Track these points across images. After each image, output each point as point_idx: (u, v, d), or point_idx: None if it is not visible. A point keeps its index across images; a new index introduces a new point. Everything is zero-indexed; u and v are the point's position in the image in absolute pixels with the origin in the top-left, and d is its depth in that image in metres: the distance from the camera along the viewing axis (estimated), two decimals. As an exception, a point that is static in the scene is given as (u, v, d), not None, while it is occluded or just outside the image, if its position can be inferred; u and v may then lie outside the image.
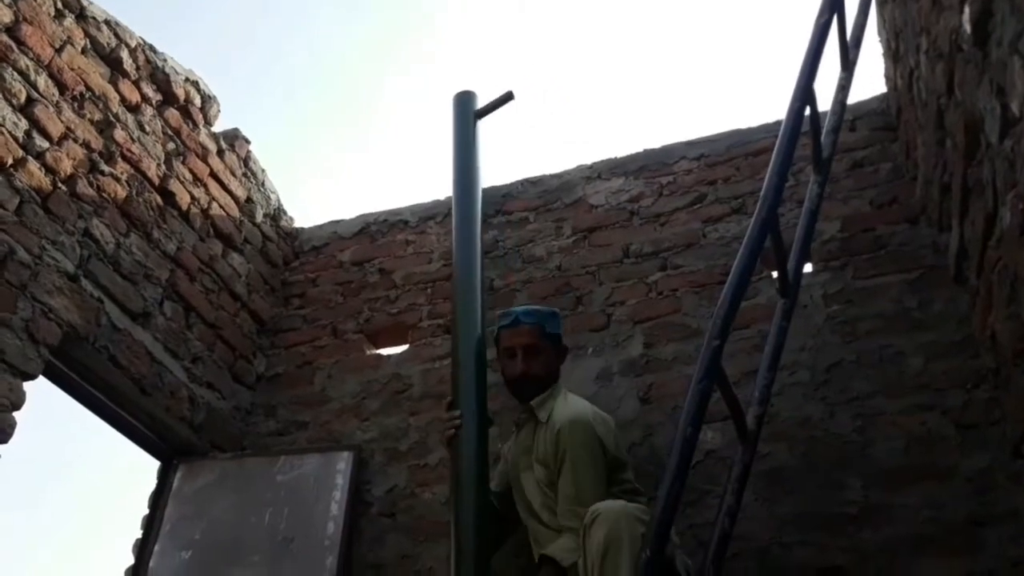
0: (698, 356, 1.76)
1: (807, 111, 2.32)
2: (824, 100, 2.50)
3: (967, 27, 1.85)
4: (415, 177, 9.19)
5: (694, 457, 1.99)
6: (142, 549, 2.80)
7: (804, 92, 2.24)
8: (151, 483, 2.98)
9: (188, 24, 8.63)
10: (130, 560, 2.82)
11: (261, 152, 3.56)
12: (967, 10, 1.84)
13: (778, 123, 2.97)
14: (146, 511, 2.92)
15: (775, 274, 2.59)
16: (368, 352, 3.30)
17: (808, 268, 2.72)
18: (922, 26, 2.35)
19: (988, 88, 1.80)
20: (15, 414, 2.24)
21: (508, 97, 2.95)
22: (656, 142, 3.41)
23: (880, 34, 3.12)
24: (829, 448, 2.39)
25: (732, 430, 2.06)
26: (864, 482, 2.30)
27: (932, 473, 2.26)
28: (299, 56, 9.22)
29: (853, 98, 2.89)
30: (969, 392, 2.34)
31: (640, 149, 3.35)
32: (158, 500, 2.90)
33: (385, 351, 3.32)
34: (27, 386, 2.29)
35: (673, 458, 1.59)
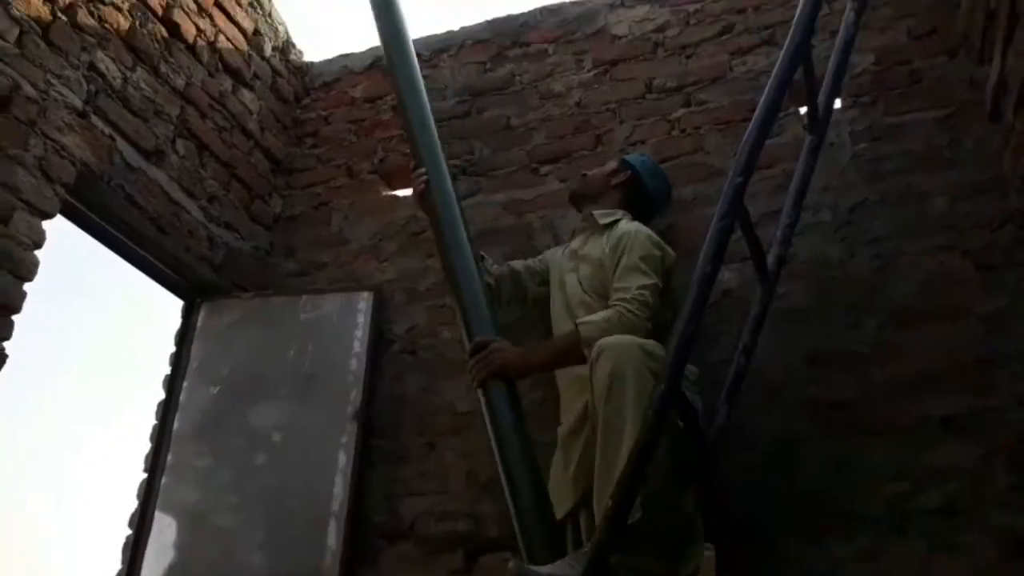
0: (719, 197, 1.73)
1: None
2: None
3: None
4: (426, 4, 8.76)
5: (711, 297, 2.00)
6: (171, 385, 2.91)
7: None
8: (176, 321, 3.05)
9: None
10: (160, 395, 2.93)
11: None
12: None
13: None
14: (173, 349, 3.00)
15: (803, 110, 2.51)
16: (384, 193, 3.28)
17: (836, 104, 2.61)
18: None
19: (1051, -99, 1.65)
20: (37, 252, 2.25)
21: None
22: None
23: None
24: (846, 288, 2.39)
25: (750, 270, 2.06)
26: (878, 321, 2.31)
27: (947, 313, 2.25)
28: None
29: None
30: (993, 233, 2.30)
31: (667, -27, 3.16)
32: (184, 338, 2.98)
33: (401, 192, 3.29)
34: (46, 225, 2.30)
35: (691, 295, 1.59)
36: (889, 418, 2.18)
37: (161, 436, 2.82)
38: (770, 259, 1.93)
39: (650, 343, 1.82)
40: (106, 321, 8.67)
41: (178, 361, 2.95)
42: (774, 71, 1.84)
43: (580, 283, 2.26)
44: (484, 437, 2.46)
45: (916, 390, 2.19)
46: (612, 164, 2.56)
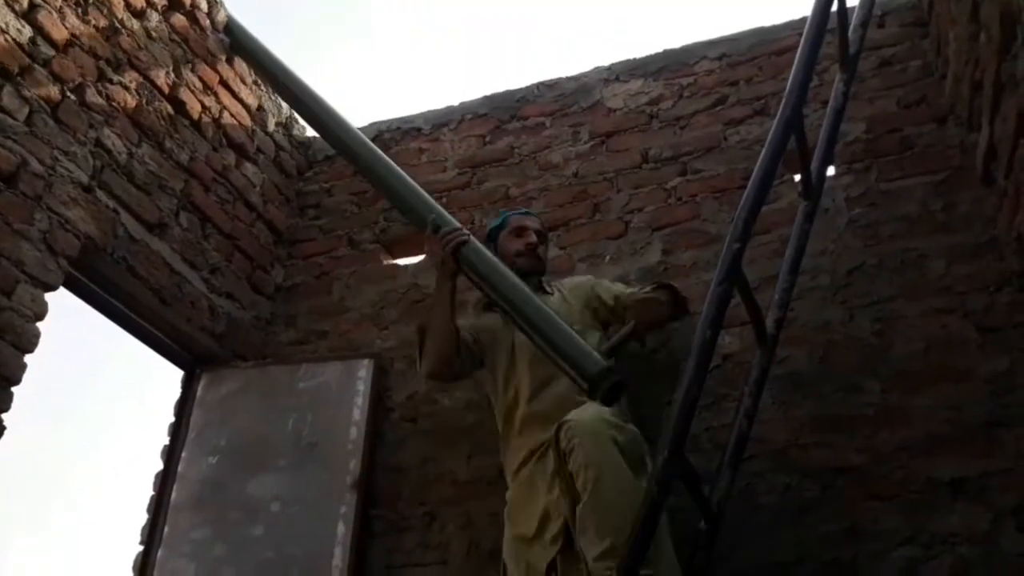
0: (717, 263, 1.74)
1: (834, 5, 2.22)
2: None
3: (1009, -91, 1.75)
4: (426, 82, 9.00)
5: (712, 361, 2.00)
6: (170, 455, 2.88)
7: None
8: (175, 392, 3.04)
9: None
10: (159, 466, 2.90)
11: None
12: None
13: (803, 21, 2.86)
14: (172, 419, 2.98)
15: (797, 178, 2.55)
16: (385, 262, 3.30)
17: (831, 171, 2.65)
18: (959, -89, 2.22)
19: (1028, -25, 1.71)
20: (38, 324, 2.26)
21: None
22: (676, 42, 3.30)
23: (914, -78, 2.97)
24: (848, 351, 2.39)
25: (750, 335, 2.06)
26: (882, 384, 2.30)
27: (951, 375, 2.25)
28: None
29: (883, -9, 2.77)
30: (992, 295, 2.31)
31: (660, 49, 3.25)
32: (183, 408, 2.97)
33: (402, 261, 3.32)
34: (49, 297, 2.31)
35: (692, 360, 1.58)
36: (897, 482, 2.15)
37: (158, 507, 2.78)
38: (769, 322, 1.94)
39: (616, 419, 1.90)
40: (105, 392, 8.63)
41: (177, 431, 2.93)
42: (767, 141, 1.87)
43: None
44: (486, 506, 2.44)
45: (923, 453, 2.17)
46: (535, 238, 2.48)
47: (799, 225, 2.12)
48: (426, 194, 2.60)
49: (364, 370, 2.90)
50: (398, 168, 2.74)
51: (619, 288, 2.42)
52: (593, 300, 2.38)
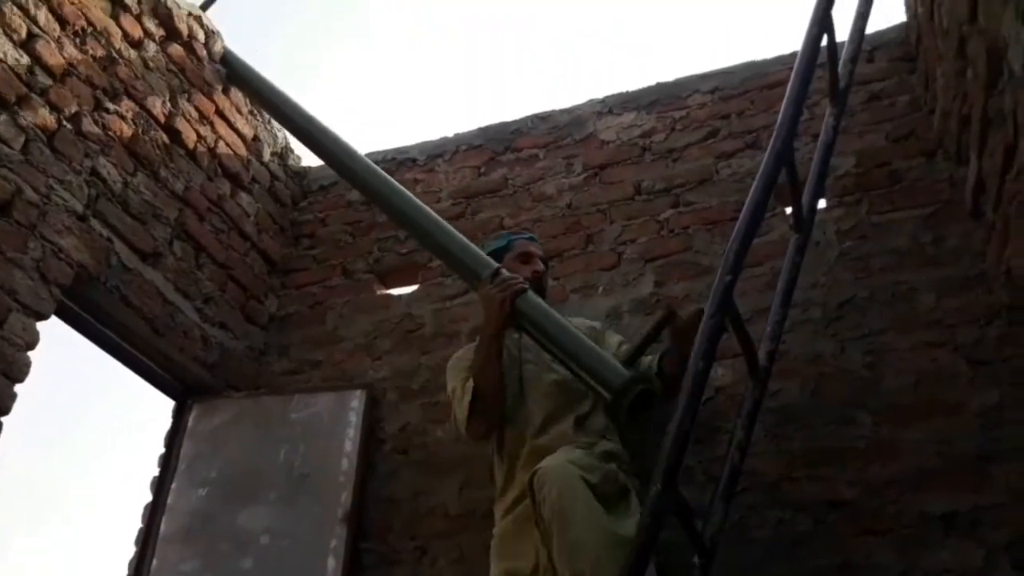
0: (709, 294, 1.75)
1: (824, 40, 2.25)
2: (842, 29, 2.43)
3: (993, -50, 1.79)
4: (422, 113, 9.07)
5: (705, 394, 2.00)
6: (159, 487, 2.86)
7: (822, 19, 2.18)
8: (167, 422, 3.02)
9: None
10: (148, 497, 2.87)
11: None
12: (994, -68, 1.77)
13: (794, 55, 2.89)
14: (162, 450, 2.96)
15: (788, 211, 2.56)
16: (379, 292, 3.31)
17: (822, 204, 2.68)
18: (945, -49, 2.27)
19: (1013, 14, 1.74)
20: (29, 354, 2.25)
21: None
22: (669, 75, 3.35)
23: (901, -40, 3.02)
24: (839, 384, 2.39)
25: (742, 367, 2.06)
26: (873, 417, 2.30)
27: (942, 408, 2.26)
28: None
29: (872, 27, 2.81)
30: (982, 328, 2.32)
31: (653, 83, 3.29)
32: (174, 439, 2.94)
33: (395, 291, 3.32)
34: (41, 326, 2.31)
35: (684, 393, 1.58)
36: (889, 517, 2.15)
37: (147, 539, 2.75)
38: (761, 355, 1.94)
39: (590, 458, 1.95)
40: (96, 422, 8.57)
41: (167, 462, 2.91)
42: (759, 174, 1.89)
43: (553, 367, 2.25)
44: (479, 540, 2.41)
45: (914, 488, 2.16)
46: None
47: (790, 258, 2.13)
48: (465, 239, 2.58)
49: (357, 401, 2.89)
50: (431, 211, 2.74)
51: (619, 339, 2.36)
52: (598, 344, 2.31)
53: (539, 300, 2.25)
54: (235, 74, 3.28)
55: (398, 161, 3.56)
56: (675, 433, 1.56)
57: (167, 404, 3.03)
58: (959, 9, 2.16)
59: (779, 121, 1.96)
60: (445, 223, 2.69)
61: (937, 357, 2.33)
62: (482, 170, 3.41)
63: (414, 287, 3.26)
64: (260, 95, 3.29)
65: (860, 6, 2.64)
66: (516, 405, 2.22)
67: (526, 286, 2.25)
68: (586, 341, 2.13)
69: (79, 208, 2.49)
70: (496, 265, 2.38)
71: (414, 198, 2.82)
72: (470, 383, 2.18)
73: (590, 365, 2.06)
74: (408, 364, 3.01)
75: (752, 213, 1.77)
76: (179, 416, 3.00)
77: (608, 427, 2.14)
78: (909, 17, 2.97)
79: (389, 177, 2.93)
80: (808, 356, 2.46)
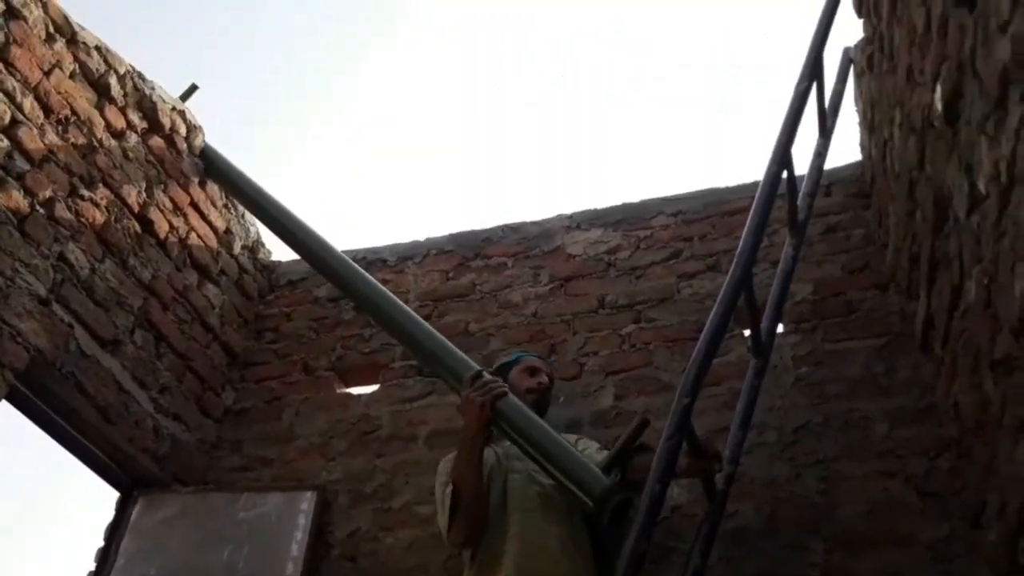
0: (668, 410, 1.78)
1: (784, 174, 2.37)
2: (800, 164, 2.56)
3: (938, 105, 1.92)
4: (397, 217, 9.22)
5: (661, 513, 2.00)
6: (94, 583, 2.74)
7: (782, 156, 2.30)
8: (109, 514, 2.91)
9: (176, 35, 8.67)
10: (81, 594, 2.74)
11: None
12: (939, 89, 1.91)
13: (754, 184, 3.04)
14: (101, 543, 2.85)
15: (746, 332, 2.63)
16: (338, 390, 3.28)
17: (779, 328, 2.75)
18: (896, 99, 2.43)
19: (957, 165, 1.86)
20: (-26, 438, 2.19)
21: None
22: (635, 196, 3.47)
23: (856, 104, 3.22)
24: (794, 509, 2.40)
25: (698, 486, 2.08)
26: (827, 545, 2.31)
27: (893, 539, 2.27)
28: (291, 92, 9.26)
29: (830, 163, 2.96)
30: (932, 460, 2.37)
31: (619, 202, 3.40)
32: (114, 532, 2.84)
33: (355, 390, 3.30)
34: (-13, 409, 2.26)
35: (640, 514, 1.59)
36: (841, 649, 2.13)
37: (75, 643, 2.61)
38: (719, 479, 1.96)
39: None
40: (35, 510, 8.19)
41: (105, 557, 2.79)
42: (719, 298, 1.96)
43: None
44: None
45: (866, 620, 2.15)
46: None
47: (749, 381, 2.18)
48: (447, 341, 2.63)
49: (307, 503, 2.82)
50: (409, 309, 2.79)
51: (596, 446, 2.39)
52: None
53: (519, 404, 2.25)
54: (213, 167, 3.34)
55: (368, 261, 3.59)
56: (630, 554, 1.56)
57: (110, 495, 2.94)
58: (909, 156, 2.30)
59: (739, 249, 2.05)
60: (424, 322, 2.72)
61: (889, 487, 2.36)
62: (451, 274, 3.46)
63: (374, 387, 3.24)
64: (236, 188, 3.34)
65: (818, 145, 2.79)
66: (498, 515, 2.18)
67: (506, 389, 2.26)
68: (567, 447, 2.13)
69: (42, 292, 2.47)
70: (477, 368, 2.40)
71: (392, 295, 2.85)
72: (450, 488, 2.16)
73: (572, 471, 2.06)
74: (362, 467, 2.97)
75: (711, 337, 1.82)
76: (123, 508, 2.89)
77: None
78: (864, 157, 3.14)
79: (366, 273, 2.96)
80: (764, 480, 2.48)
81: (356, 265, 3.02)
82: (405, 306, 2.82)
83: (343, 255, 3.07)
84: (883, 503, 2.34)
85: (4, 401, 2.38)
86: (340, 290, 3.17)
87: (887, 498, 2.35)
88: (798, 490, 2.44)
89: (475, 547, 2.18)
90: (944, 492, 2.30)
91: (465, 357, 2.52)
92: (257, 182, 3.32)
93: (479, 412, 2.19)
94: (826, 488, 2.41)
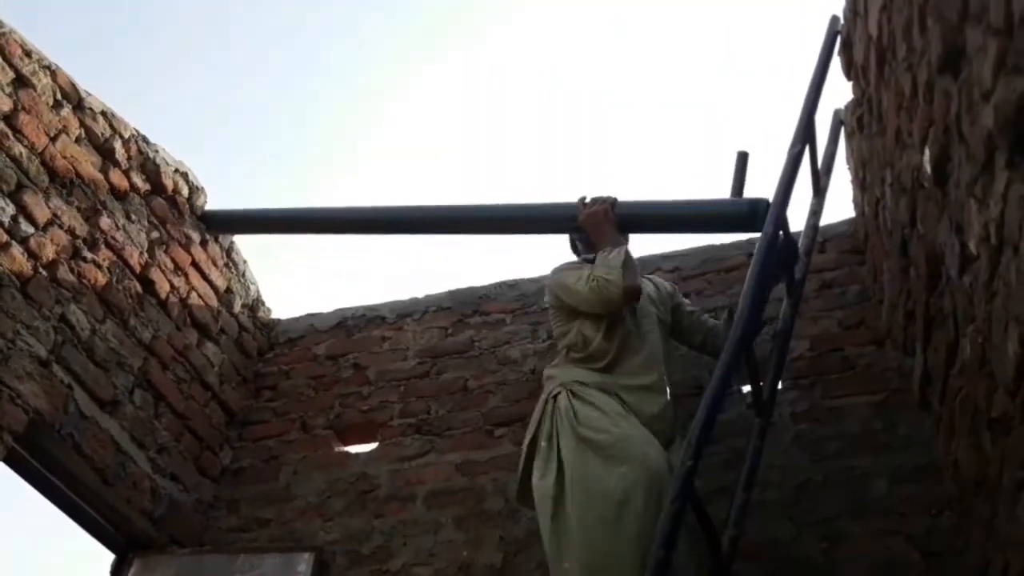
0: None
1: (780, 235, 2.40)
2: (796, 222, 2.60)
3: (927, 167, 1.96)
4: (395, 274, 9.24)
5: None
6: (88, 649, 2.69)
7: (777, 218, 2.33)
8: (104, 577, 2.88)
9: (176, 96, 8.78)
10: (74, 660, 2.70)
11: (244, 237, 3.61)
12: (927, 151, 1.95)
13: (750, 241, 3.08)
14: (95, 607, 2.81)
15: (745, 388, 2.64)
16: (336, 449, 3.27)
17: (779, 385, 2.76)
18: (886, 160, 2.47)
19: (948, 225, 1.89)
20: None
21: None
22: (633, 253, 3.49)
23: (848, 163, 3.27)
24: (796, 570, 2.39)
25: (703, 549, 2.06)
26: (831, 606, 2.29)
27: (898, 600, 2.25)
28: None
29: (824, 220, 3.00)
30: (933, 518, 2.36)
31: (617, 259, 3.42)
32: (108, 596, 2.80)
33: (353, 448, 3.29)
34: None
35: (642, 579, 1.58)
36: None
37: None
38: (724, 541, 1.94)
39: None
40: (30, 572, 8.03)
41: (98, 623, 2.75)
42: (719, 363, 1.96)
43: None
44: None
45: None
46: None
47: (752, 442, 2.18)
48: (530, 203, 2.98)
49: (304, 564, 2.79)
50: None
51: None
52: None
53: (630, 200, 2.64)
54: (216, 225, 3.38)
55: (367, 318, 3.61)
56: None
57: (106, 557, 2.91)
58: (900, 214, 2.33)
59: (738, 312, 2.06)
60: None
61: (891, 546, 2.35)
62: (449, 331, 3.47)
63: (373, 445, 3.23)
64: (245, 227, 3.42)
65: (813, 204, 2.83)
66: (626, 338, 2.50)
67: (615, 198, 2.65)
68: (694, 200, 2.49)
69: (43, 354, 2.48)
70: (580, 197, 2.73)
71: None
72: (624, 249, 2.51)
73: (711, 210, 2.41)
74: (360, 527, 2.94)
75: (712, 401, 1.83)
76: (118, 571, 2.86)
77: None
78: (857, 214, 3.18)
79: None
80: (766, 539, 2.46)
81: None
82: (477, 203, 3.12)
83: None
84: (885, 563, 2.32)
85: (1, 463, 2.37)
86: (391, 230, 3.37)
87: (889, 558, 2.33)
88: (800, 551, 2.42)
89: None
90: (946, 552, 2.28)
91: (555, 204, 2.84)
92: (259, 209, 3.43)
93: (606, 214, 2.61)
94: (828, 547, 2.40)
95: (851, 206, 3.27)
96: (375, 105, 9.43)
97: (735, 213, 2.36)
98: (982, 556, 2.03)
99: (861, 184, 3.02)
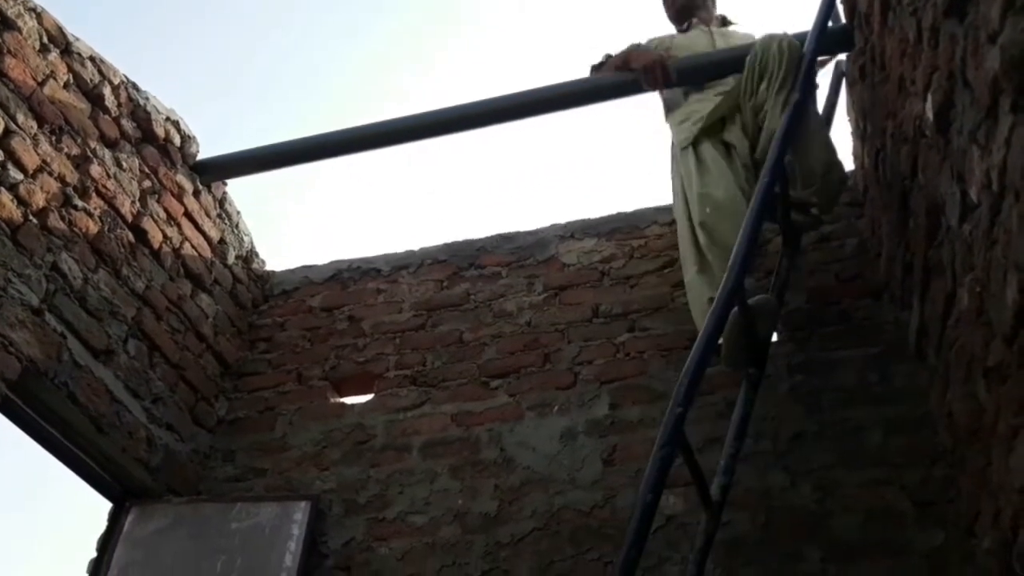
0: (662, 420, 1.78)
1: (777, 187, 2.38)
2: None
3: (930, 115, 1.93)
4: (390, 225, 9.20)
5: (656, 522, 1.99)
6: (87, 594, 2.72)
7: (775, 168, 2.31)
8: (100, 526, 2.90)
9: (174, 55, 8.67)
10: (73, 605, 2.73)
11: (237, 190, 3.58)
12: (930, 99, 1.92)
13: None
14: (94, 554, 2.84)
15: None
16: (332, 400, 3.27)
17: (773, 337, 2.75)
18: (888, 110, 2.44)
19: (949, 174, 1.87)
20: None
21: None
22: (629, 205, 3.47)
23: (849, 113, 3.23)
24: (789, 519, 2.40)
25: (694, 495, 2.07)
26: (823, 554, 2.31)
27: (888, 548, 2.27)
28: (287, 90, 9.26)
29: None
30: (927, 468, 2.37)
31: (613, 211, 3.41)
32: (107, 543, 2.82)
33: (349, 400, 3.29)
34: (-21, 420, 2.25)
35: (632, 525, 1.59)
36: (836, 659, 2.12)
37: (66, 655, 2.60)
38: (714, 489, 1.95)
39: None
40: (27, 521, 8.14)
41: (97, 568, 2.78)
42: (710, 311, 1.95)
43: None
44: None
45: (862, 630, 2.15)
46: None
47: (744, 392, 2.18)
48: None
49: (300, 513, 2.81)
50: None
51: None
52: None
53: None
54: (211, 172, 3.34)
55: (363, 270, 3.59)
56: (622, 563, 1.56)
57: (103, 506, 2.92)
58: (901, 165, 2.30)
59: (731, 260, 2.04)
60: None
61: (884, 495, 2.36)
62: (445, 284, 3.46)
63: (369, 396, 3.24)
64: (241, 169, 3.42)
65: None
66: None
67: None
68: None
69: (35, 302, 2.46)
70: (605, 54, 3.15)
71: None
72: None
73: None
74: (356, 476, 2.96)
75: (704, 348, 1.82)
76: (115, 519, 2.88)
77: None
78: (856, 166, 3.15)
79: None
80: (759, 489, 2.48)
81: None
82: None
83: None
84: (878, 512, 2.34)
85: (-4, 411, 2.37)
86: (412, 138, 3.40)
87: (882, 507, 2.34)
88: (793, 499, 2.43)
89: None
90: (939, 501, 2.30)
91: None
92: (255, 148, 3.43)
93: (659, 58, 2.99)
94: (821, 497, 2.41)
95: (851, 159, 3.23)
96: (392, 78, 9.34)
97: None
98: (974, 504, 2.04)
99: (861, 135, 2.98)
